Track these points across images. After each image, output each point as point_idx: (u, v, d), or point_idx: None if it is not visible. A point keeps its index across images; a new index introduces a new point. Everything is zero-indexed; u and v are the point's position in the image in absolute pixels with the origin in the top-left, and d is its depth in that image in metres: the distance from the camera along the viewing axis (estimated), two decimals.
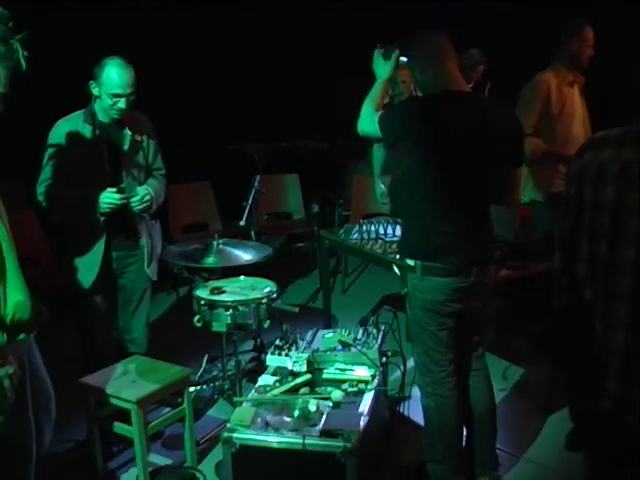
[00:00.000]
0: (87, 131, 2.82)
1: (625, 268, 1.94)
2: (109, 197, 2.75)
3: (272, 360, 2.71)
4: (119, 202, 2.77)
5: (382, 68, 2.65)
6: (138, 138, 2.94)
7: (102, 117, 2.83)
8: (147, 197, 2.88)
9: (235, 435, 2.25)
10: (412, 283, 2.46)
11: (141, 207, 2.87)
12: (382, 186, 4.24)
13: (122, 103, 2.76)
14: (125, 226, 2.94)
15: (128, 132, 2.89)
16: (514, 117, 2.45)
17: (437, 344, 2.47)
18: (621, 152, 1.96)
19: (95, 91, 2.78)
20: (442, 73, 2.37)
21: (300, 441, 2.19)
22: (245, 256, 3.08)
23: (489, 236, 2.50)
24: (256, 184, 3.80)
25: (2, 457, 2.04)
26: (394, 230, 3.50)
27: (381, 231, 3.52)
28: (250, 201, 3.64)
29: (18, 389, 1.95)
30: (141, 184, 2.94)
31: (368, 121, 2.53)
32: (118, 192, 2.77)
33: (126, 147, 2.89)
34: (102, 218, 2.81)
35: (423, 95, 2.48)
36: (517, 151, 2.45)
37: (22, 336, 1.97)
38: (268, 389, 2.52)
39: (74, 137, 2.81)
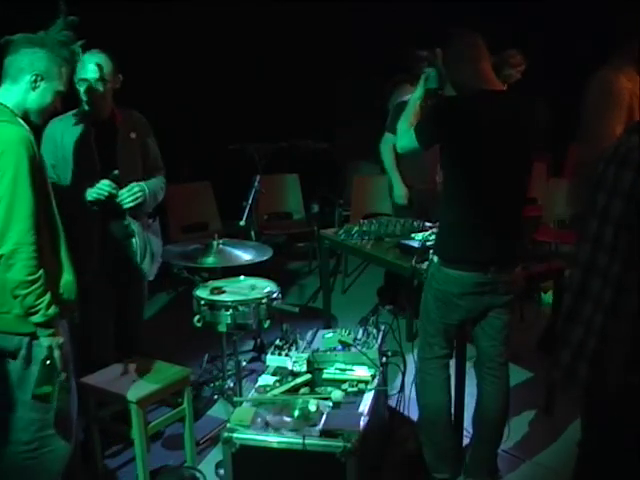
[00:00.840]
0: (78, 129, 2.82)
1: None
2: (99, 185, 2.74)
3: (272, 360, 2.71)
4: (107, 188, 2.74)
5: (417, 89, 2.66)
6: (133, 135, 2.94)
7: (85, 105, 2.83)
8: (137, 190, 2.83)
9: (235, 435, 2.25)
10: (431, 272, 2.59)
11: (131, 200, 2.83)
12: (403, 186, 4.25)
13: (88, 88, 2.74)
14: (117, 216, 2.91)
15: (119, 129, 2.88)
16: (545, 110, 2.51)
17: (435, 332, 2.61)
18: None
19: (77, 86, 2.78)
20: (478, 73, 2.40)
21: (300, 441, 2.19)
22: (245, 256, 3.08)
23: (517, 236, 2.53)
24: (256, 184, 3.80)
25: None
26: (394, 230, 3.50)
27: (381, 231, 3.52)
28: (250, 201, 3.64)
29: (65, 361, 2.13)
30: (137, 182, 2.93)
31: (405, 137, 2.57)
32: (111, 179, 2.76)
33: (115, 141, 2.88)
34: (94, 208, 2.78)
35: (458, 95, 2.48)
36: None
37: (66, 316, 2.18)
38: (268, 389, 2.51)
39: (66, 135, 2.82)
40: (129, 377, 2.73)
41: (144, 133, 3.01)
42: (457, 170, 2.43)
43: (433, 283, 2.55)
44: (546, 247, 4.83)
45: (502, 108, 2.38)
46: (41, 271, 2.00)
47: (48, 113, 2.20)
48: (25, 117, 2.11)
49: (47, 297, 2.02)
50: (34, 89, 2.08)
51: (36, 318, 2.02)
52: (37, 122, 2.16)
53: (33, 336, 2.07)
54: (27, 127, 2.09)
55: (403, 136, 2.57)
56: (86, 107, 2.82)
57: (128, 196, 2.81)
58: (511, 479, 2.82)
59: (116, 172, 2.79)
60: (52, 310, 2.03)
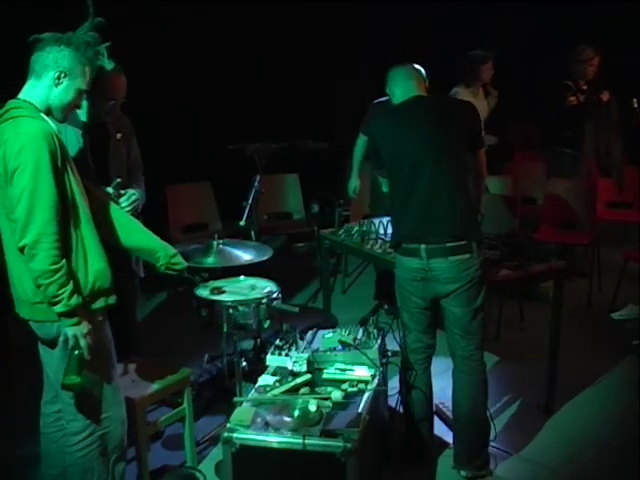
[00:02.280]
0: (70, 132, 2.82)
1: None
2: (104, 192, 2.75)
3: (272, 360, 2.71)
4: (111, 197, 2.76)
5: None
6: (119, 136, 2.94)
7: (83, 117, 2.83)
8: (135, 198, 2.86)
9: (235, 435, 2.25)
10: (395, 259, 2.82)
11: (130, 208, 2.85)
12: (358, 181, 4.44)
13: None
14: None
15: (111, 133, 2.89)
16: (465, 108, 2.75)
17: (406, 320, 2.82)
18: None
19: None
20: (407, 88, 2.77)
21: (300, 441, 2.19)
22: (245, 256, 3.08)
23: (451, 224, 2.60)
24: (256, 184, 3.80)
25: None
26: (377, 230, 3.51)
27: (381, 231, 3.52)
28: (250, 201, 3.63)
29: (100, 350, 2.21)
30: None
31: (382, 183, 2.92)
32: (114, 187, 2.77)
33: (107, 144, 2.88)
34: None
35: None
36: (473, 137, 2.71)
37: (101, 303, 2.23)
38: (268, 389, 2.51)
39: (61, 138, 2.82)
40: (129, 377, 2.74)
41: (128, 132, 3.03)
42: (386, 164, 2.75)
43: (395, 270, 2.80)
44: (546, 247, 4.83)
45: (419, 106, 2.71)
46: (63, 261, 2.05)
47: (70, 110, 2.25)
48: (48, 113, 2.16)
49: (69, 287, 2.06)
50: (57, 85, 2.13)
51: (59, 308, 2.06)
52: (59, 119, 2.20)
53: None
54: (50, 122, 2.13)
55: (383, 183, 2.90)
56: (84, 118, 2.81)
57: (128, 204, 2.84)
58: (510, 478, 2.82)
59: (119, 180, 2.81)
60: (74, 300, 2.08)
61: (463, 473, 2.81)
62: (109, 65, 2.59)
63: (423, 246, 2.59)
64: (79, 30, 2.17)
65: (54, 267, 2.02)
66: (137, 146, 3.11)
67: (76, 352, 2.12)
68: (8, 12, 4.23)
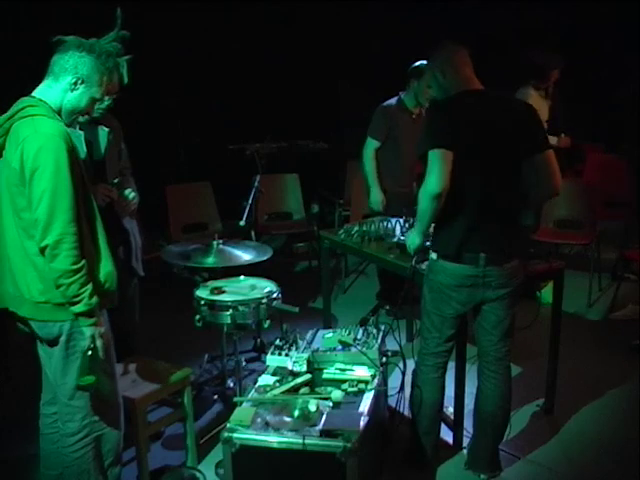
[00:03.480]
0: (72, 132, 2.81)
1: None
2: (105, 192, 2.75)
3: (272, 360, 2.71)
4: (113, 194, 2.77)
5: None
6: (110, 137, 2.94)
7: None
8: (133, 196, 2.87)
9: (235, 435, 2.25)
10: (429, 265, 2.71)
11: (131, 206, 2.87)
12: (381, 193, 4.27)
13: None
14: (113, 223, 2.91)
15: (105, 129, 2.88)
16: (525, 107, 2.60)
17: (430, 325, 2.71)
18: None
19: None
20: (462, 77, 2.57)
21: (300, 441, 2.19)
22: (245, 256, 3.08)
23: (510, 232, 2.58)
24: (256, 184, 3.80)
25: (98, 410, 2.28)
26: (394, 230, 3.50)
27: (381, 231, 3.52)
28: (250, 201, 3.64)
29: (107, 350, 2.21)
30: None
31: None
32: (112, 187, 2.77)
33: (104, 144, 2.88)
34: None
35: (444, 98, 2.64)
36: (537, 137, 2.55)
37: (108, 305, 2.25)
38: (268, 389, 2.51)
39: None
40: (129, 377, 2.74)
41: (119, 135, 3.03)
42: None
43: (430, 275, 2.67)
44: (546, 247, 4.84)
45: (481, 106, 2.52)
46: (84, 261, 2.07)
47: (78, 116, 2.26)
48: (58, 115, 2.16)
49: (90, 286, 2.08)
50: (73, 90, 2.14)
51: (79, 307, 2.08)
52: (66, 122, 2.19)
53: (72, 322, 2.13)
54: (63, 123, 2.14)
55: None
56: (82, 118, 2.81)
57: (129, 202, 2.85)
58: (511, 478, 2.82)
59: (117, 180, 2.81)
60: (94, 300, 2.10)
61: (483, 477, 2.80)
62: (126, 78, 2.57)
63: (482, 255, 2.53)
64: (103, 39, 2.18)
65: (75, 267, 2.04)
66: (126, 148, 3.11)
67: (90, 352, 2.13)
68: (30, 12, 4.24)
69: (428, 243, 3.00)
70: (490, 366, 2.75)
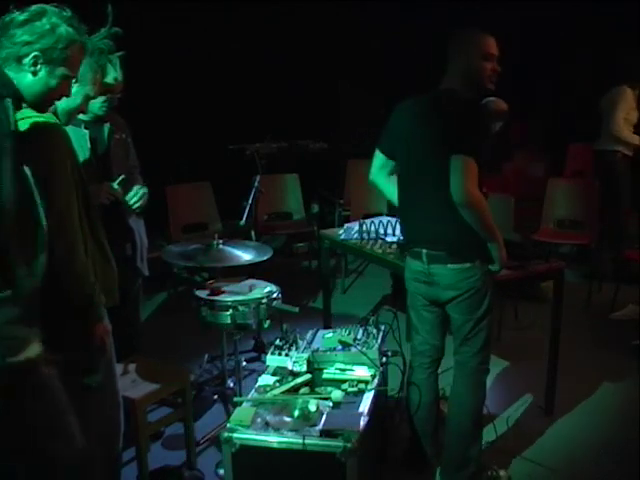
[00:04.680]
0: (71, 130, 2.81)
1: None
2: (110, 190, 2.75)
3: (272, 360, 2.71)
4: (118, 193, 2.77)
5: None
6: (117, 136, 2.94)
7: (82, 115, 2.83)
8: (142, 192, 2.87)
9: (235, 435, 2.25)
10: None
11: (139, 204, 2.87)
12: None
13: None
14: (118, 221, 2.92)
15: (107, 125, 2.88)
16: (459, 107, 2.45)
17: (411, 321, 2.82)
18: None
19: None
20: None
21: (300, 441, 2.19)
22: (245, 256, 3.08)
23: (452, 229, 2.45)
24: (256, 184, 3.80)
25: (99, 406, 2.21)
26: (394, 230, 3.50)
27: (381, 231, 3.52)
28: (250, 201, 3.64)
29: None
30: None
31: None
32: (118, 184, 2.77)
33: (106, 140, 2.88)
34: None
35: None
36: (453, 139, 2.38)
37: (110, 304, 2.20)
38: (268, 389, 2.51)
39: None
40: (129, 377, 2.73)
41: (126, 134, 3.03)
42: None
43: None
44: (546, 247, 4.84)
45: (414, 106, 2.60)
46: (89, 261, 2.04)
47: (75, 115, 2.22)
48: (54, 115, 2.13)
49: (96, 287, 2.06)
50: None
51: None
52: (63, 122, 2.17)
53: None
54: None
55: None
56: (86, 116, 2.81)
57: (137, 200, 2.85)
58: (511, 478, 2.82)
59: (124, 177, 2.81)
60: (101, 299, 2.08)
61: None
62: (120, 75, 2.56)
63: (425, 251, 2.56)
64: (95, 36, 2.16)
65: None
66: (133, 147, 3.11)
67: (98, 350, 2.11)
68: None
69: None
70: (455, 370, 2.70)
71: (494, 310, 2.66)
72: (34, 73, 1.83)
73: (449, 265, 2.51)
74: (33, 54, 1.81)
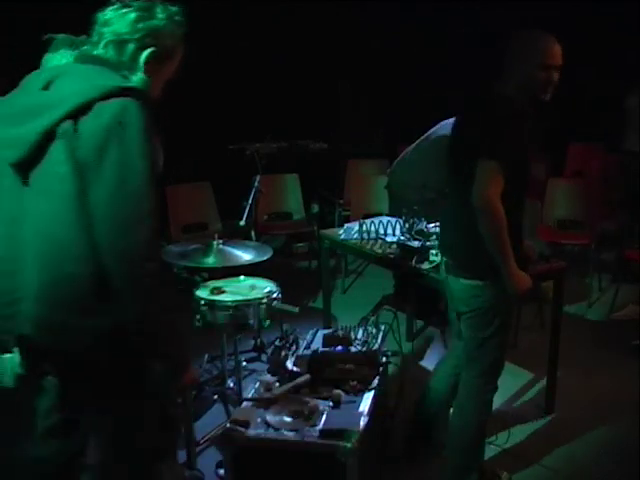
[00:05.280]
0: None
1: None
2: None
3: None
4: None
5: None
6: None
7: None
8: None
9: (235, 435, 2.25)
10: None
11: None
12: None
13: None
14: None
15: None
16: (484, 111, 2.38)
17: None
18: None
19: None
20: None
21: (300, 441, 2.19)
22: (245, 256, 3.08)
23: (469, 242, 2.37)
24: (256, 184, 3.80)
25: None
26: (394, 230, 3.50)
27: (381, 231, 3.51)
28: (250, 201, 3.64)
29: None
30: None
31: None
32: None
33: None
34: None
35: None
36: (480, 143, 2.28)
37: None
38: (268, 389, 2.51)
39: None
40: None
41: None
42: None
43: None
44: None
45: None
46: None
47: None
48: None
49: None
50: None
51: None
52: None
53: None
54: None
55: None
56: None
57: None
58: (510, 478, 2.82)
59: None
60: None
61: None
62: None
63: (444, 259, 2.58)
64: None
65: None
66: None
67: None
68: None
69: (429, 243, 3.01)
70: (460, 385, 2.61)
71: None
72: None
73: (461, 279, 2.45)
74: None
